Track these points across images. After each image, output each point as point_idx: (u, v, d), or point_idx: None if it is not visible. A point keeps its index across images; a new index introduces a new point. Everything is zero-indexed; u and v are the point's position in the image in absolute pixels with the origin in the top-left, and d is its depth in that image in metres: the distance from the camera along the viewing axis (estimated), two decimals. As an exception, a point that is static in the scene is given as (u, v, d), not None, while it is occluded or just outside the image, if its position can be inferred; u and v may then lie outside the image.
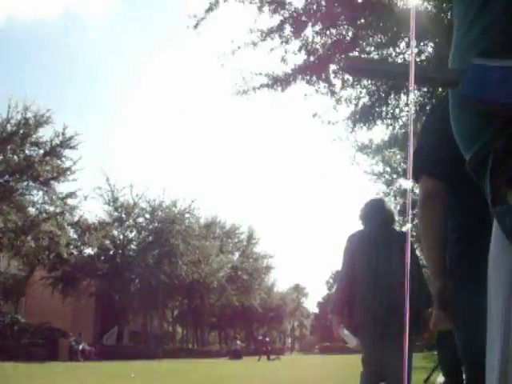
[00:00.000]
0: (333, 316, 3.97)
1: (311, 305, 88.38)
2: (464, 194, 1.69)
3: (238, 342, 41.21)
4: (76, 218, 29.28)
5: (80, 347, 27.85)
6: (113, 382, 12.50)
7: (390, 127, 10.05)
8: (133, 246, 38.81)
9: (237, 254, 53.94)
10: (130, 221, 38.46)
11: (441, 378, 8.48)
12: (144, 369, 19.61)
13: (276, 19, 8.46)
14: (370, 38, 8.55)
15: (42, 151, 25.92)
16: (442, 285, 1.77)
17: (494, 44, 0.74)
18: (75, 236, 31.53)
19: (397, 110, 9.45)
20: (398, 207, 20.52)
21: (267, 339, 38.96)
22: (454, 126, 0.93)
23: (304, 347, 79.01)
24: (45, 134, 26.20)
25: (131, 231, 38.97)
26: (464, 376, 1.89)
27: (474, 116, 0.81)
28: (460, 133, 0.90)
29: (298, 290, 78.71)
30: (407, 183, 20.56)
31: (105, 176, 36.16)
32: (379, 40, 8.44)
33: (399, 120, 9.68)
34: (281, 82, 8.74)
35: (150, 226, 38.77)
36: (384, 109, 9.38)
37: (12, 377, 13.52)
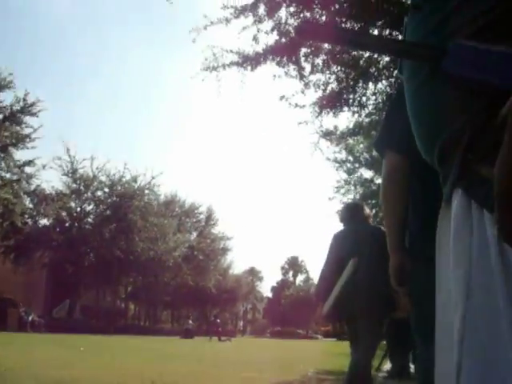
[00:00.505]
0: (318, 302, 4.55)
1: (265, 289, 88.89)
2: (426, 171, 1.69)
3: (190, 321, 41.29)
4: (33, 187, 28.73)
5: (30, 318, 27.47)
6: (62, 353, 12.36)
7: (356, 115, 10.10)
8: (90, 220, 38.38)
9: (194, 234, 53.90)
10: (89, 193, 38.01)
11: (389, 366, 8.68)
12: (94, 343, 19.47)
13: (251, -3, 8.36)
14: (343, 25, 8.53)
15: (1, 116, 25.23)
16: (399, 260, 1.79)
17: (484, 30, 0.73)
18: (31, 205, 30.93)
19: (364, 98, 9.50)
20: (358, 196, 20.77)
21: (218, 320, 39.11)
22: (419, 113, 0.92)
23: (255, 331, 79.64)
24: (5, 98, 25.53)
25: (89, 204, 38.56)
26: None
27: (449, 97, 0.80)
28: (429, 118, 0.89)
29: (253, 273, 79.14)
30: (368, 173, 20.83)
31: (65, 146, 35.51)
32: (352, 27, 8.44)
33: (365, 108, 9.74)
34: (251, 61, 8.67)
35: (109, 200, 38.35)
36: (351, 96, 9.41)
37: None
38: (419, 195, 1.77)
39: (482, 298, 0.75)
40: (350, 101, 9.49)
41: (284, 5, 8.51)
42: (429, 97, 0.88)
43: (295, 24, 8.72)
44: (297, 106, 9.65)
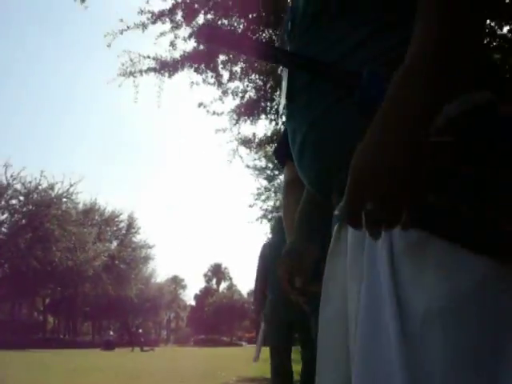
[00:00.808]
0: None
1: (189, 297, 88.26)
2: None
3: (111, 332, 40.51)
4: None
5: None
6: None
7: (273, 122, 10.18)
8: (3, 229, 36.80)
9: (115, 243, 52.75)
10: (2, 202, 36.48)
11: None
12: (7, 359, 18.61)
13: (168, 3, 8.27)
14: (261, 32, 8.60)
15: None
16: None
17: (397, 61, 0.73)
18: None
19: (281, 107, 9.60)
20: (278, 203, 20.97)
21: (140, 330, 38.52)
22: (321, 142, 0.91)
23: (179, 339, 78.83)
24: None
25: (3, 213, 37.02)
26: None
27: (356, 126, 0.78)
28: (333, 147, 0.88)
29: (176, 281, 78.42)
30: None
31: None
32: (269, 35, 8.52)
33: (282, 116, 9.84)
34: (169, 67, 8.57)
35: (24, 209, 36.96)
36: (269, 104, 9.48)
37: None
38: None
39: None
40: (268, 108, 9.56)
41: (202, 12, 8.48)
42: (334, 125, 0.87)
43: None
44: (215, 113, 9.62)
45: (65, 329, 55.30)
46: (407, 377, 0.67)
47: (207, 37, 0.94)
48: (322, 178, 0.95)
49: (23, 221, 36.45)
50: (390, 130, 0.65)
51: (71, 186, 38.48)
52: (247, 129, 21.68)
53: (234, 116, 9.71)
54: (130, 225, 54.89)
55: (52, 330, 55.85)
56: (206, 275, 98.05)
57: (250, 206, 23.11)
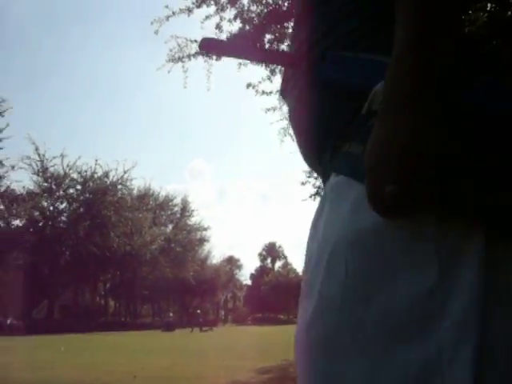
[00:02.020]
0: None
1: (244, 277, 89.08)
2: None
3: (171, 314, 41.30)
4: (3, 189, 28.25)
5: (8, 322, 27.15)
6: (42, 355, 12.28)
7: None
8: (63, 218, 37.92)
9: (170, 227, 53.69)
10: (61, 192, 37.53)
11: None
12: (74, 342, 19.37)
13: (213, -15, 8.31)
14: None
15: (-35, 119, 24.81)
16: None
17: (356, 43, 0.81)
18: (2, 207, 30.46)
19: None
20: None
21: (199, 311, 39.21)
22: (300, 122, 0.97)
23: (237, 319, 79.80)
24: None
25: (61, 202, 38.06)
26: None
27: (326, 101, 0.86)
28: (308, 124, 0.94)
29: (231, 262, 79.25)
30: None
31: (34, 145, 34.95)
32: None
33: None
34: (216, 49, 8.63)
35: (82, 197, 37.94)
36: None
37: None
38: None
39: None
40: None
41: (245, -8, 8.48)
42: (308, 104, 0.94)
43: (258, 11, 8.70)
44: (264, 92, 9.65)
45: (125, 312, 56.86)
46: (315, 296, 0.78)
47: (207, 47, 1.00)
48: (308, 151, 1.02)
49: (81, 209, 37.42)
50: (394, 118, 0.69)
51: (125, 172, 39.28)
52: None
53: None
54: (184, 208, 55.74)
55: (113, 314, 57.53)
56: (260, 254, 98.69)
57: (303, 184, 23.04)
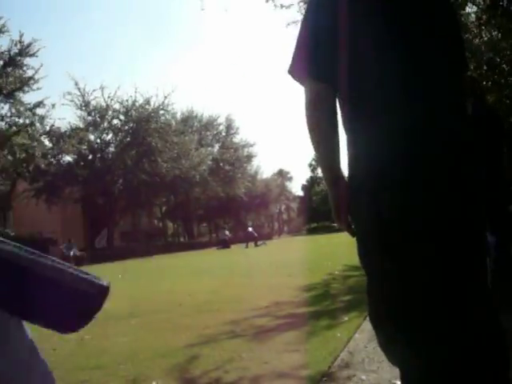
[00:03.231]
0: None
1: (296, 188, 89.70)
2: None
3: (226, 231, 42.18)
4: (47, 128, 28.82)
5: (71, 253, 28.45)
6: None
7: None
8: (111, 149, 38.62)
9: (217, 146, 54.00)
10: (105, 123, 38.03)
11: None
12: (133, 268, 20.19)
13: None
14: None
15: (1, 62, 25.00)
16: (340, 192, 1.71)
17: None
18: (50, 145, 31.19)
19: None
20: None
21: (250, 229, 39.83)
22: None
23: (292, 229, 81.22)
24: (2, 43, 25.26)
25: (107, 134, 38.65)
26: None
27: None
28: None
29: (282, 174, 79.71)
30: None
31: (73, 80, 35.22)
32: None
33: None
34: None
35: (126, 127, 38.38)
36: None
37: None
38: (356, 120, 1.69)
39: None
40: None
41: None
42: None
43: None
44: (282, 6, 9.34)
45: (183, 232, 58.64)
46: None
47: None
48: None
49: (127, 138, 37.94)
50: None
51: (165, 97, 39.25)
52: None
53: (303, 5, 9.35)
54: (229, 126, 55.78)
55: (172, 235, 59.50)
56: (310, 165, 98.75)
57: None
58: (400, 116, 1.47)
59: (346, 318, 5.27)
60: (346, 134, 1.70)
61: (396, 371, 3.26)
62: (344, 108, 1.66)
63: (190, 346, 4.55)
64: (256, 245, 34.68)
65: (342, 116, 1.68)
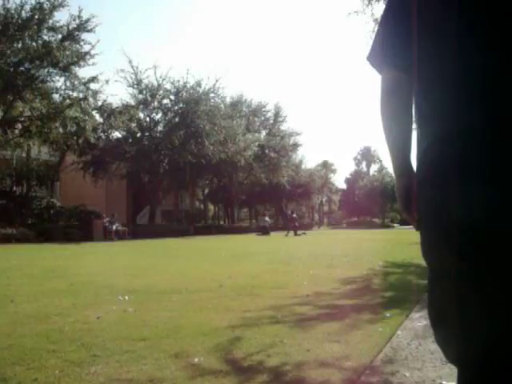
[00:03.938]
0: None
1: (339, 181, 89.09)
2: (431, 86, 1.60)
3: (267, 218, 42.29)
4: (100, 103, 29.29)
5: (114, 227, 29.01)
6: (139, 261, 13.12)
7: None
8: (159, 128, 39.00)
9: (264, 133, 53.96)
10: (155, 103, 38.39)
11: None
12: (173, 247, 20.44)
13: None
14: None
15: (59, 36, 25.50)
16: (409, 182, 1.70)
17: None
18: (101, 120, 31.71)
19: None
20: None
21: (294, 215, 39.83)
22: None
23: (332, 222, 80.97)
24: (61, 18, 25.74)
25: (157, 113, 39.03)
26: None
27: None
28: None
29: (326, 166, 79.21)
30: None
31: (127, 58, 35.64)
32: None
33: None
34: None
35: (176, 107, 38.64)
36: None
37: (55, 257, 14.29)
38: (425, 112, 1.67)
39: None
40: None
41: None
42: None
43: None
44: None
45: (224, 215, 59.01)
46: None
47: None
48: None
49: (176, 119, 38.21)
50: None
51: (216, 81, 39.34)
52: (381, 7, 20.39)
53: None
54: (277, 114, 55.61)
55: (213, 217, 59.97)
56: (355, 158, 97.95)
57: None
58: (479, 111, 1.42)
59: (388, 315, 5.22)
60: (417, 124, 1.68)
61: (441, 371, 3.23)
62: (416, 97, 1.64)
63: (232, 328, 4.59)
64: (296, 234, 34.70)
65: (415, 105, 1.66)
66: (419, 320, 4.89)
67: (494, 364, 1.40)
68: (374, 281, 8.50)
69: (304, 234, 35.77)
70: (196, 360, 3.52)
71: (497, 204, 1.33)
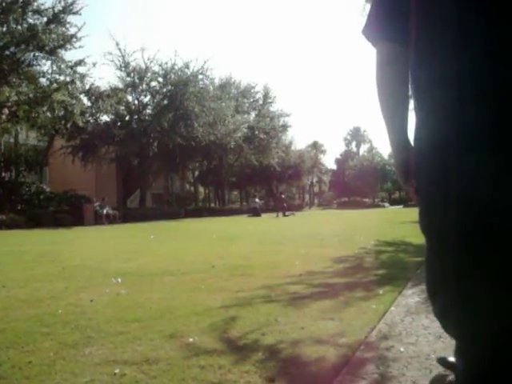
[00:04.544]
0: None
1: (329, 161, 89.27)
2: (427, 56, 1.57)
3: (257, 199, 42.36)
4: (87, 86, 29.02)
5: (104, 211, 28.91)
6: (132, 244, 13.10)
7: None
8: (148, 111, 38.75)
9: (253, 114, 53.76)
10: (144, 85, 38.08)
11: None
12: (164, 230, 20.44)
13: None
14: None
15: (44, 19, 25.11)
16: (407, 156, 1.69)
17: None
18: (89, 104, 31.44)
19: None
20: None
21: (283, 196, 39.91)
22: None
23: (323, 202, 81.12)
24: (46, 0, 25.34)
25: (145, 96, 38.72)
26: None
27: None
28: None
29: (316, 147, 79.30)
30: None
31: (114, 41, 35.27)
32: None
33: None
34: None
35: (164, 90, 38.36)
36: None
37: (45, 242, 14.23)
38: (422, 84, 1.64)
39: None
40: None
41: None
42: None
43: None
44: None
45: (215, 198, 58.99)
46: None
47: None
48: None
49: (164, 101, 37.93)
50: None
51: (205, 62, 39.06)
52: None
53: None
54: (266, 95, 55.37)
55: (203, 200, 59.94)
56: (345, 139, 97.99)
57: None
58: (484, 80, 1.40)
59: (381, 292, 5.25)
60: (413, 97, 1.66)
61: (435, 345, 3.25)
62: (414, 71, 1.61)
63: (226, 307, 4.59)
64: (284, 215, 34.80)
65: (411, 79, 1.63)
66: (412, 297, 4.92)
67: (493, 336, 1.39)
68: (366, 259, 8.53)
69: (293, 214, 35.90)
70: (191, 340, 3.52)
71: (499, 172, 1.31)
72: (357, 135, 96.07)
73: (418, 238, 11.49)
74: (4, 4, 23.86)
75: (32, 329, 3.94)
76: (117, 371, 2.90)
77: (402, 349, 3.22)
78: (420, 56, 1.55)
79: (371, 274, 6.69)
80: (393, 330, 3.70)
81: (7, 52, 24.55)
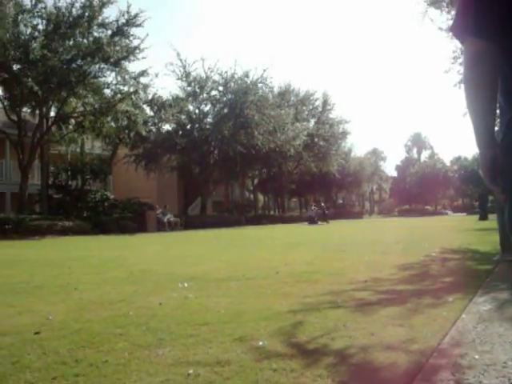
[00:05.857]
0: None
1: (390, 168, 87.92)
2: None
3: (313, 207, 42.17)
4: (150, 96, 29.77)
5: (166, 218, 29.46)
6: (195, 251, 13.27)
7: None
8: (209, 119, 39.33)
9: (312, 121, 53.65)
10: (204, 94, 38.70)
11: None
12: (226, 235, 20.62)
13: None
14: None
15: (109, 32, 26.03)
16: (490, 155, 1.66)
17: None
18: (151, 113, 32.24)
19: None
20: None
21: (322, 204, 39.94)
22: None
23: (383, 210, 79.82)
24: (110, 14, 26.21)
25: (206, 105, 39.37)
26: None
27: None
28: None
29: (375, 154, 78.19)
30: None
31: (175, 51, 36.03)
32: None
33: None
34: None
35: (224, 99, 38.88)
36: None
37: (112, 248, 14.63)
38: (510, 79, 1.62)
39: None
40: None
41: None
42: None
43: None
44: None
45: (274, 205, 59.09)
46: None
47: None
48: None
49: (225, 110, 38.43)
50: None
51: (264, 71, 39.35)
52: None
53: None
54: (325, 102, 55.18)
55: (263, 208, 60.14)
56: (406, 145, 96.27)
57: (446, 72, 21.97)
58: None
59: (451, 299, 5.12)
60: (501, 95, 1.64)
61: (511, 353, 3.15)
62: (502, 69, 1.59)
63: (293, 312, 4.60)
64: (322, 221, 35.13)
65: (501, 77, 1.61)
66: (483, 304, 4.79)
67: None
68: (432, 266, 8.34)
69: (327, 222, 36.24)
70: (260, 343, 3.54)
71: None
72: (418, 141, 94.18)
73: (484, 245, 11.21)
74: (71, 19, 24.85)
75: (106, 330, 4.06)
76: (190, 372, 2.96)
77: (476, 356, 3.14)
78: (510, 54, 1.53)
79: (439, 282, 6.54)
80: (465, 337, 3.62)
81: (74, 65, 25.51)
